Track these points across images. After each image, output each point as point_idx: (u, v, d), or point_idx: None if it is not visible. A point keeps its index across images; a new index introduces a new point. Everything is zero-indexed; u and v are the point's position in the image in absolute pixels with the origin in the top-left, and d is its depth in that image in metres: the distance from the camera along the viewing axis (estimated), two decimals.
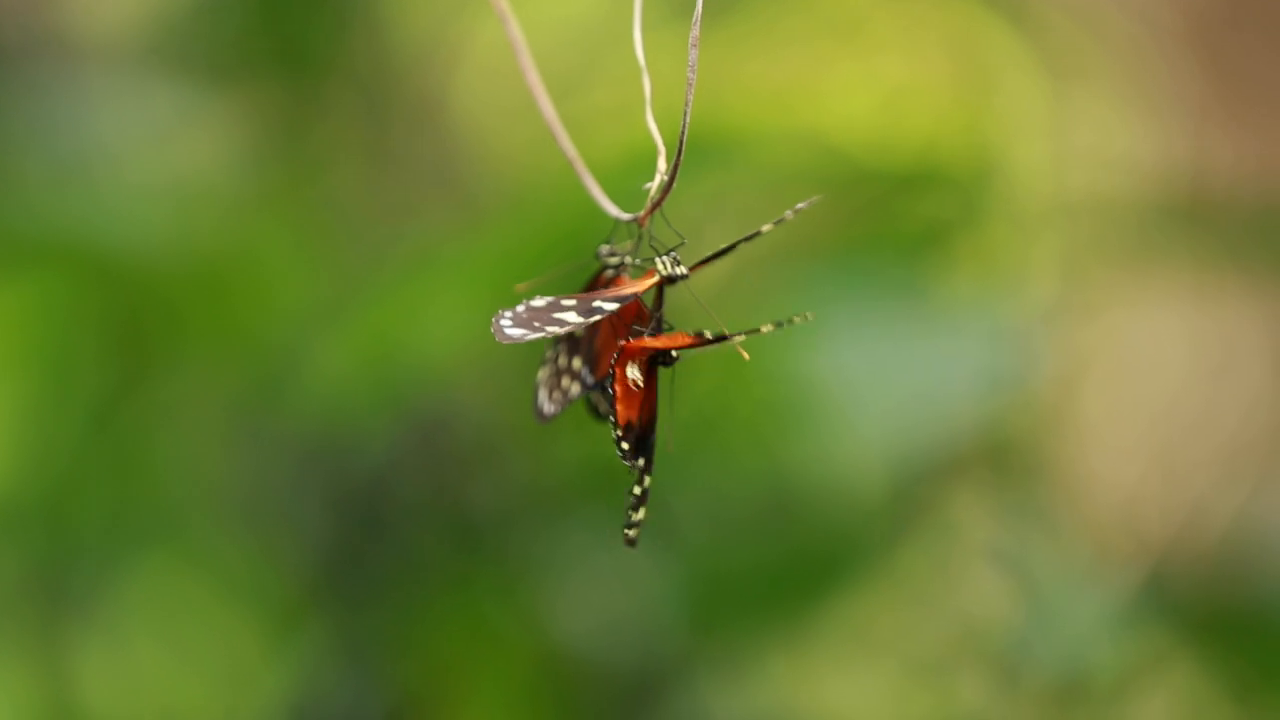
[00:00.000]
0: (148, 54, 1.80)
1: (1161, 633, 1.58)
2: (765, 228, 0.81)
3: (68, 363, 1.64)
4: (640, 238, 0.81)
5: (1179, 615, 1.58)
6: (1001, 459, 1.62)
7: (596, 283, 0.84)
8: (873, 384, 1.47)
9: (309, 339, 1.55)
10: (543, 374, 0.84)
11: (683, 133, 0.77)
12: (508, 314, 0.75)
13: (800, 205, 0.81)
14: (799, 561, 1.53)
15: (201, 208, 1.66)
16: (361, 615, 1.57)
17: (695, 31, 0.75)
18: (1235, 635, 1.59)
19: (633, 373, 0.78)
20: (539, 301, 0.77)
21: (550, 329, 0.75)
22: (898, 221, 1.67)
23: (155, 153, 1.71)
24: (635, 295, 0.80)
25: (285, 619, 1.62)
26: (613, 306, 0.78)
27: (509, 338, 0.74)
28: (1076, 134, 2.12)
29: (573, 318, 0.76)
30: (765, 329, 0.80)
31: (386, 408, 1.52)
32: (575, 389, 0.84)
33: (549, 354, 0.84)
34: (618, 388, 0.78)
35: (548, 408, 0.84)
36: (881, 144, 1.79)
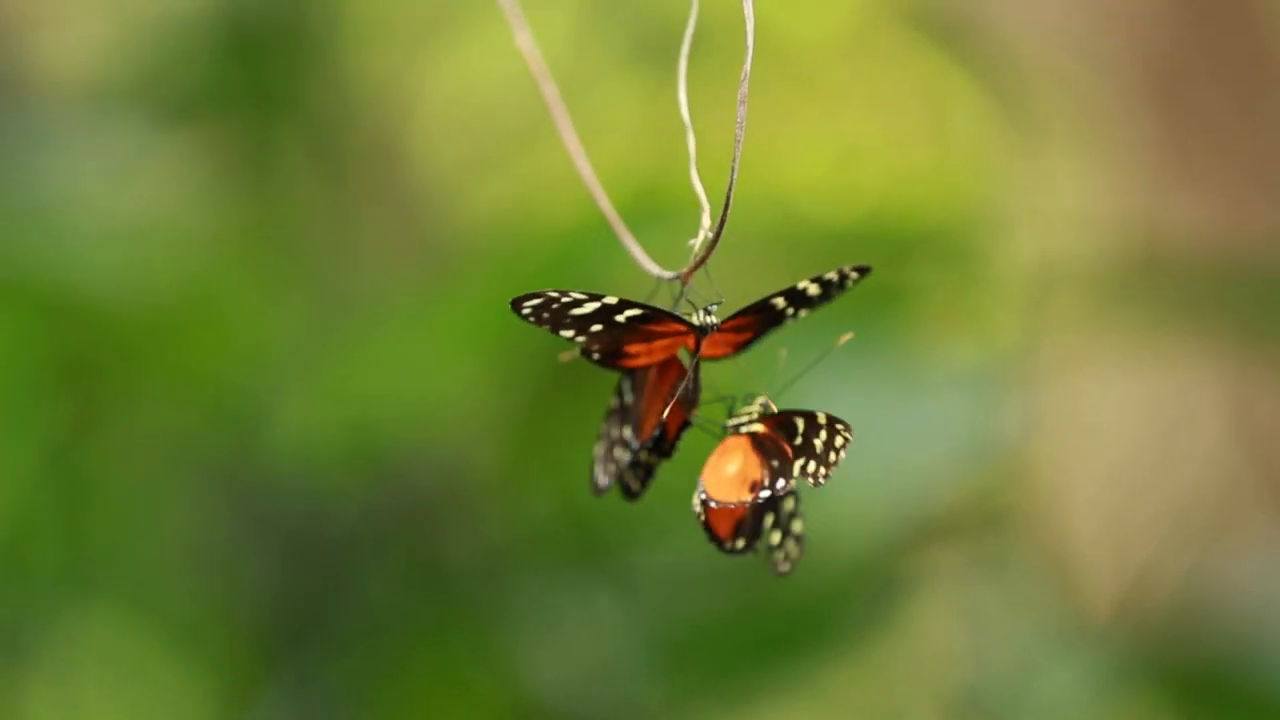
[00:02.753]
0: (106, 95, 1.78)
1: (1133, 692, 1.58)
2: (806, 286, 0.82)
3: (21, 405, 1.62)
4: (680, 295, 0.82)
5: (1149, 674, 1.58)
6: (972, 519, 1.62)
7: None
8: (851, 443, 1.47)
9: (271, 385, 1.54)
10: (599, 450, 0.86)
11: (729, 191, 0.77)
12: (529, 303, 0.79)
13: (852, 275, 0.82)
14: (771, 618, 1.53)
15: (159, 249, 1.64)
16: (328, 667, 1.55)
17: (744, 89, 0.75)
18: (1199, 693, 1.59)
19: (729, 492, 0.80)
20: (556, 294, 0.79)
21: (565, 328, 0.80)
22: (864, 281, 1.66)
23: (113, 193, 1.69)
24: (676, 334, 0.82)
25: (240, 674, 1.59)
26: (637, 313, 0.80)
27: (524, 314, 0.79)
28: (1037, 190, 2.12)
29: (590, 309, 0.80)
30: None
31: (356, 459, 1.51)
32: (626, 457, 0.86)
33: (603, 428, 0.86)
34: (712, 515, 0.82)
35: (603, 480, 0.86)
36: (841, 203, 1.79)
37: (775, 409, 0.82)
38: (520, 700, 1.52)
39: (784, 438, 0.82)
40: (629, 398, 0.85)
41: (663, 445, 0.85)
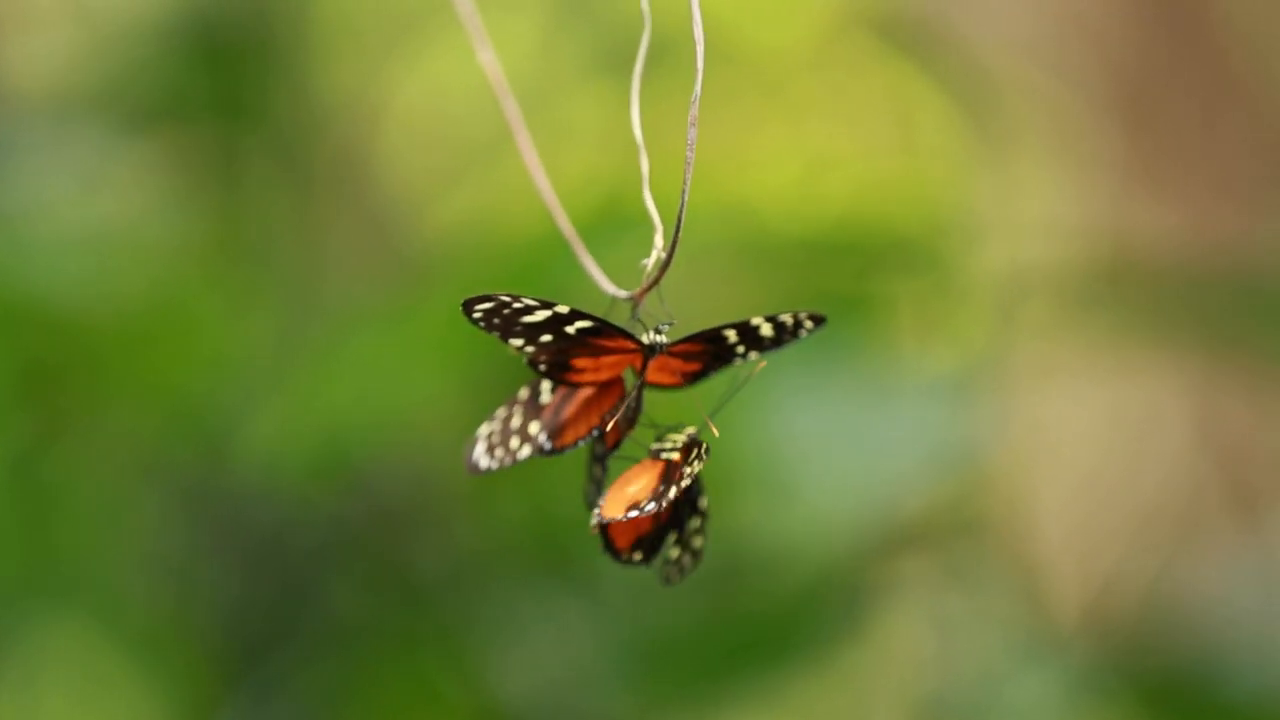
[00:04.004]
0: (72, 102, 1.77)
1: (1101, 700, 1.58)
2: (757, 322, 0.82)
3: None
4: (633, 314, 0.81)
5: (1116, 682, 1.58)
6: (940, 527, 1.62)
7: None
8: (817, 450, 1.47)
9: (238, 394, 1.54)
10: (487, 428, 0.84)
11: (680, 213, 0.77)
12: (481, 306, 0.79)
13: (807, 324, 0.82)
14: (740, 626, 1.53)
15: (125, 257, 1.64)
16: (296, 677, 1.55)
17: (694, 110, 0.75)
18: (1166, 701, 1.59)
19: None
20: (509, 298, 0.79)
21: (514, 335, 0.79)
22: (829, 291, 1.67)
23: (79, 201, 1.68)
24: (625, 351, 0.81)
25: (206, 684, 1.59)
26: (587, 325, 0.79)
27: (474, 318, 0.79)
28: (1005, 199, 2.12)
29: (541, 317, 0.79)
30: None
31: (324, 468, 1.50)
32: (525, 451, 0.84)
33: (502, 412, 0.84)
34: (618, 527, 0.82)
35: (484, 461, 0.85)
36: (810, 212, 1.79)
37: (708, 438, 0.82)
38: (489, 709, 1.52)
39: (684, 495, 0.83)
40: (545, 397, 0.84)
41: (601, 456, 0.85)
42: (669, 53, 1.94)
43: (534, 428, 0.84)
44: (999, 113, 2.13)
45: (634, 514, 0.80)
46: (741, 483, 1.47)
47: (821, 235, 1.72)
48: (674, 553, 0.85)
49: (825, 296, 1.64)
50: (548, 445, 0.84)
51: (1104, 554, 2.09)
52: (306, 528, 1.56)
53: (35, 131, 1.73)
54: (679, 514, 0.85)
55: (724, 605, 1.53)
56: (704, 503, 0.85)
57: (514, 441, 0.84)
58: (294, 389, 1.50)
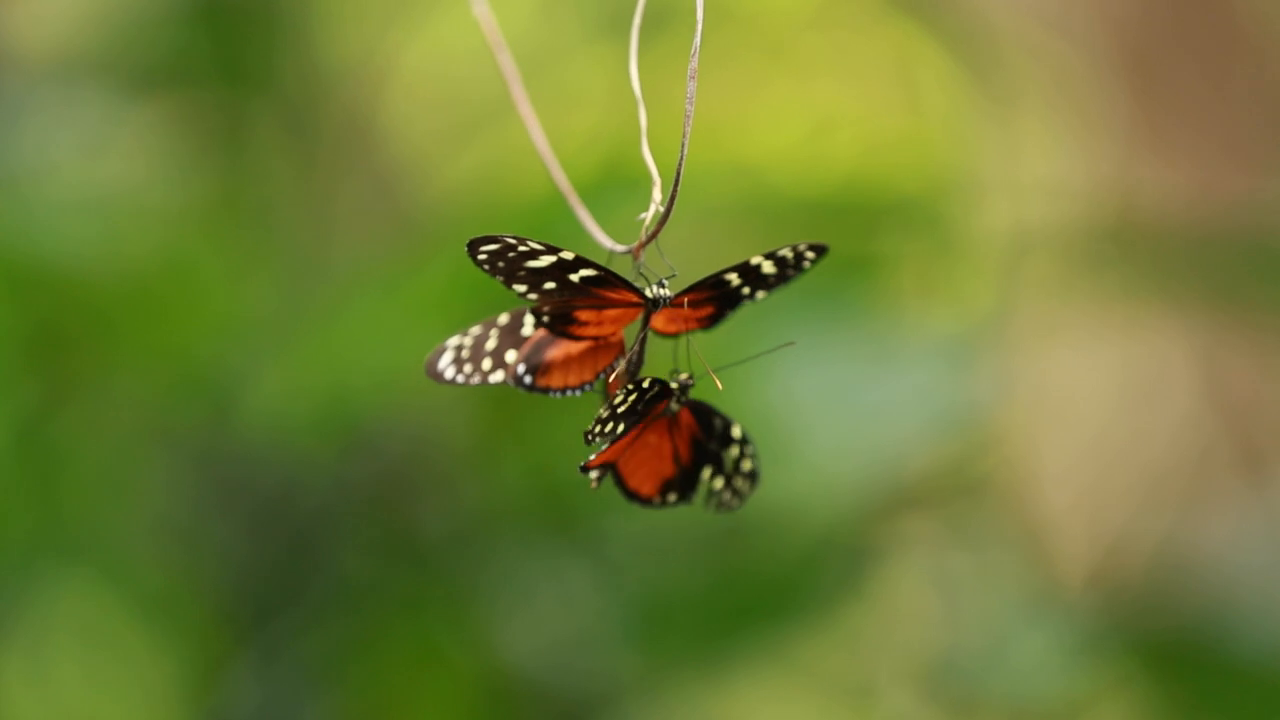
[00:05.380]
0: (77, 65, 1.77)
1: (1106, 660, 1.58)
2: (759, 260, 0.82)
3: None
4: (635, 270, 0.81)
5: (1121, 642, 1.58)
6: (945, 487, 1.62)
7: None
8: (821, 411, 1.47)
9: (243, 356, 1.54)
10: (456, 340, 0.83)
11: (679, 166, 0.76)
12: (486, 247, 0.78)
13: (809, 254, 0.81)
14: (744, 587, 1.53)
15: (131, 220, 1.64)
16: (302, 638, 1.55)
17: (694, 63, 0.74)
18: (1172, 661, 1.59)
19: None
20: (514, 240, 0.78)
21: (518, 280, 0.78)
22: (833, 251, 1.66)
23: (84, 164, 1.69)
24: (628, 304, 0.81)
25: (213, 645, 1.59)
26: (592, 273, 0.78)
27: (479, 259, 0.78)
28: (1010, 158, 2.12)
29: (545, 263, 0.78)
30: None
31: (329, 430, 1.50)
32: (497, 376, 0.82)
33: (479, 329, 0.83)
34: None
35: (449, 372, 0.83)
36: (814, 172, 1.78)
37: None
38: (494, 670, 1.52)
39: (701, 433, 0.82)
40: (527, 330, 0.82)
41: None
42: (673, 15, 1.94)
43: (510, 355, 0.82)
44: (1003, 72, 2.13)
45: (669, 503, 0.80)
46: None
47: (825, 195, 1.72)
48: (718, 483, 0.84)
49: (829, 257, 1.64)
50: (528, 379, 0.82)
51: (1110, 514, 2.09)
52: (312, 489, 1.56)
53: (40, 94, 1.73)
54: (705, 450, 0.83)
55: (729, 565, 1.53)
56: (738, 430, 0.84)
57: (486, 363, 0.82)
58: (299, 351, 1.51)
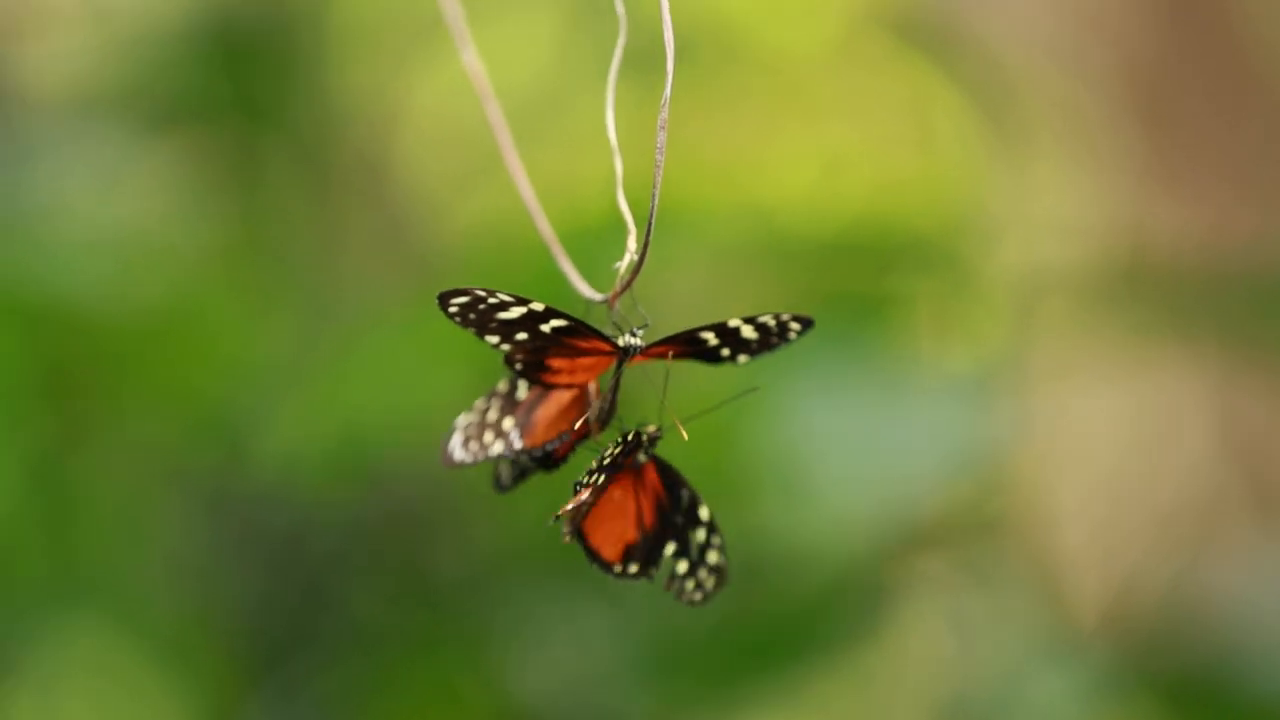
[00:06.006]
0: (92, 105, 1.78)
1: (1120, 700, 1.58)
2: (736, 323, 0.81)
3: (6, 415, 1.61)
4: (612, 318, 0.80)
5: (1135, 681, 1.58)
6: (959, 527, 1.62)
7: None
8: (836, 450, 1.47)
9: (257, 396, 1.54)
10: (464, 419, 0.83)
11: (651, 214, 0.76)
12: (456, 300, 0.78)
13: (793, 326, 0.81)
14: (758, 626, 1.53)
15: (145, 259, 1.64)
16: (316, 678, 1.55)
17: (664, 114, 0.74)
18: (1186, 700, 1.59)
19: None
20: (484, 293, 0.78)
21: (490, 332, 0.78)
22: (848, 290, 1.66)
23: (98, 203, 1.69)
24: (600, 353, 0.80)
25: (227, 686, 1.59)
26: (563, 323, 0.78)
27: (450, 312, 0.78)
28: (1024, 198, 2.12)
29: (516, 314, 0.78)
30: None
31: (343, 470, 1.50)
32: (497, 447, 0.83)
33: (480, 404, 0.83)
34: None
35: (459, 454, 0.83)
36: (827, 212, 1.79)
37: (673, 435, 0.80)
38: (508, 711, 1.52)
39: (668, 501, 0.81)
40: (522, 393, 0.83)
41: (550, 459, 0.83)
42: (686, 52, 1.94)
43: (508, 423, 0.83)
44: (1016, 112, 2.13)
45: (632, 572, 0.79)
46: (760, 483, 1.47)
47: (839, 235, 1.72)
48: (681, 567, 0.82)
49: (843, 296, 1.64)
50: (518, 443, 0.82)
51: (1124, 554, 2.08)
52: (326, 530, 1.56)
53: (56, 133, 1.74)
54: (670, 523, 0.82)
55: (742, 605, 1.53)
56: (705, 513, 0.82)
57: (488, 435, 0.83)
58: (312, 391, 1.51)
